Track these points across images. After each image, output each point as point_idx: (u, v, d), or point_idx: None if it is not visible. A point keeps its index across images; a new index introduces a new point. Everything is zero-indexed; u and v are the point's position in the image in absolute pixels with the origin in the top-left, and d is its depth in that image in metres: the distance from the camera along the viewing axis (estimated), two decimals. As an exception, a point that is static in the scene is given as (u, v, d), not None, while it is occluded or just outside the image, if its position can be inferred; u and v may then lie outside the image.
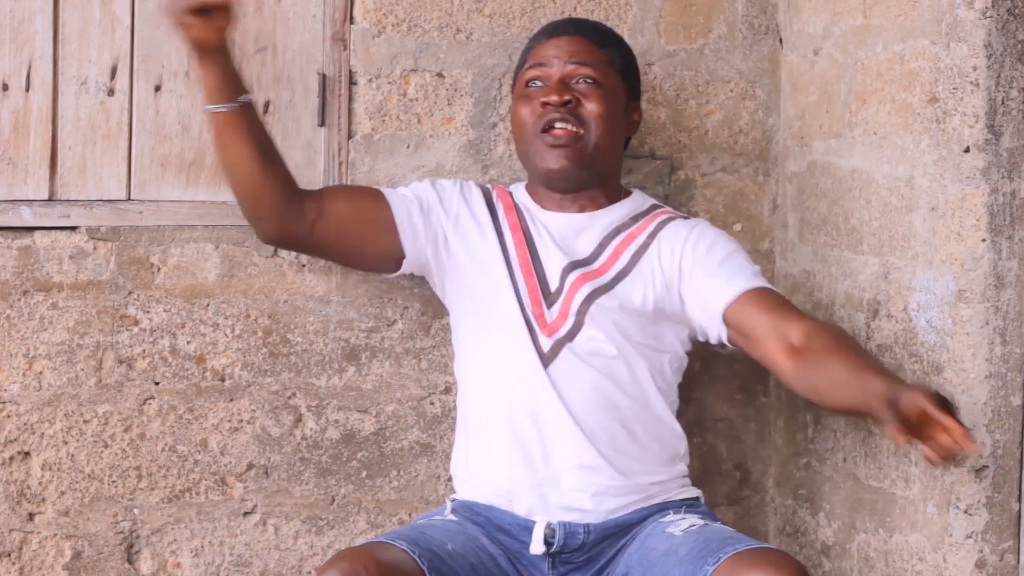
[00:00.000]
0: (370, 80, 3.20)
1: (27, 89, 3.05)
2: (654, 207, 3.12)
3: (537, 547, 2.90)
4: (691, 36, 3.36)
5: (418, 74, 3.21)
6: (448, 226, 3.05)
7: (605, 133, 3.00)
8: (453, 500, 3.01)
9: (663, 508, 2.97)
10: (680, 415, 3.13)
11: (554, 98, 2.98)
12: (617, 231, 3.05)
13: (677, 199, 3.37)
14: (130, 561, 3.12)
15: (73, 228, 3.08)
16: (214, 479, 3.15)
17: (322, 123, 3.19)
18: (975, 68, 2.86)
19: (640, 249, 3.03)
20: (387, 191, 3.08)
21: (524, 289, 2.99)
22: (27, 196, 3.07)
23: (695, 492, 3.04)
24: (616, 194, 3.10)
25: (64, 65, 3.07)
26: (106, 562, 3.11)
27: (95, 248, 3.08)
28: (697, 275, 2.98)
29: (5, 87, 3.04)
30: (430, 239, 3.05)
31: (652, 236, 3.04)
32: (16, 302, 3.05)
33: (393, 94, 3.22)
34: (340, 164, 3.21)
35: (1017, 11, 2.86)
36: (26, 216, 3.05)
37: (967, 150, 2.88)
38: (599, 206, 3.07)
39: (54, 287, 3.06)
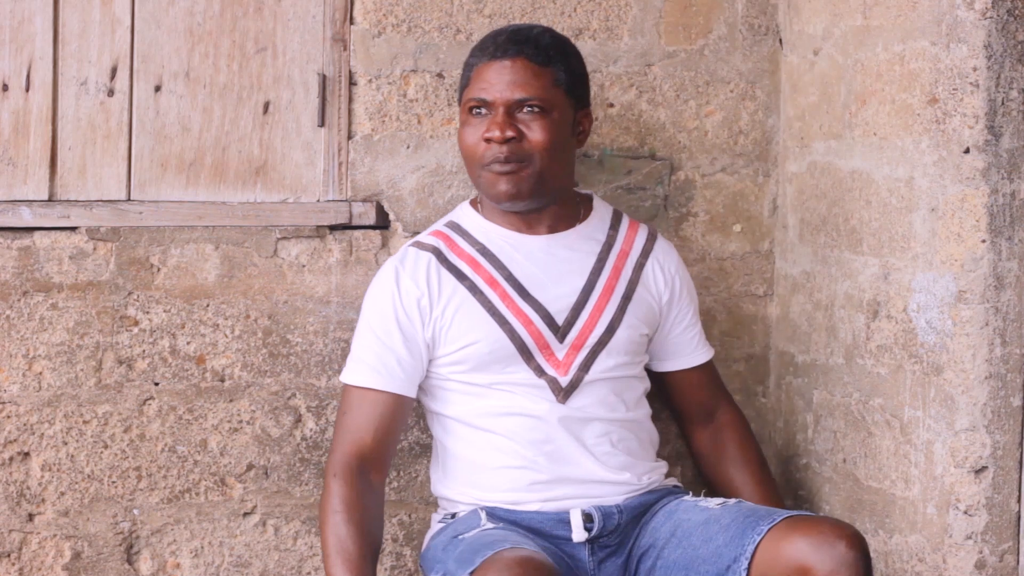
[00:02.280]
0: (370, 81, 3.20)
1: (27, 89, 3.05)
2: (615, 213, 3.14)
3: (579, 534, 2.93)
4: (691, 37, 3.36)
5: (418, 75, 3.21)
6: (433, 335, 2.98)
7: (550, 160, 2.95)
8: (484, 509, 2.96)
9: (673, 492, 3.07)
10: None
11: (496, 134, 2.91)
12: (608, 247, 3.06)
13: (677, 200, 3.37)
14: (130, 562, 3.12)
15: (73, 228, 3.08)
16: (214, 480, 3.15)
17: (322, 123, 3.19)
18: (975, 69, 2.86)
19: (637, 268, 3.07)
20: (389, 386, 2.95)
21: (526, 336, 2.96)
22: (27, 196, 3.07)
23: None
24: (577, 206, 3.08)
25: (64, 65, 3.06)
26: (106, 563, 3.11)
27: (95, 248, 3.08)
28: (678, 321, 3.14)
29: (5, 87, 3.04)
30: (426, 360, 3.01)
31: (647, 254, 3.10)
32: (16, 302, 3.05)
33: (393, 95, 3.22)
34: (340, 164, 3.21)
35: (1017, 12, 2.86)
36: (26, 216, 3.05)
37: (967, 151, 2.88)
38: (569, 224, 3.05)
39: (54, 287, 3.06)
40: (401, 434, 3.04)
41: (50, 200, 3.08)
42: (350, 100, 3.20)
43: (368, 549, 2.83)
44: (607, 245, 3.07)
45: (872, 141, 3.09)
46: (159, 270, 3.11)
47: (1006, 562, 2.92)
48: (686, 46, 3.36)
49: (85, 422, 3.09)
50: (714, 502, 2.97)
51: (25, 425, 3.06)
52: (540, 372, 2.96)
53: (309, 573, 3.21)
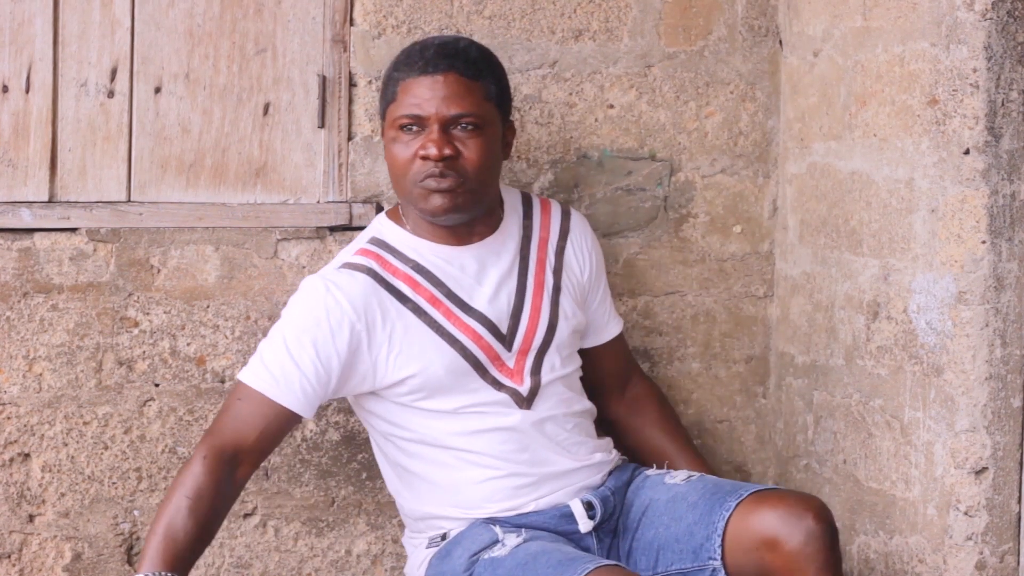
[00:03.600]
0: (370, 82, 3.20)
1: (27, 91, 3.05)
2: (524, 198, 3.09)
3: (585, 524, 2.93)
4: (691, 38, 3.36)
5: (418, 76, 3.21)
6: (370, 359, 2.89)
7: (485, 177, 2.91)
8: (489, 520, 2.92)
9: (638, 467, 3.10)
10: (679, 416, 3.16)
11: (433, 152, 2.84)
12: (528, 240, 3.03)
13: (677, 201, 3.37)
14: (130, 563, 3.12)
15: (73, 230, 3.08)
16: (214, 481, 3.15)
17: (322, 125, 3.19)
18: (975, 70, 2.86)
19: (559, 254, 3.05)
20: (285, 400, 2.83)
21: (477, 351, 2.91)
22: (27, 198, 3.07)
23: None
24: (499, 208, 3.03)
25: (64, 67, 3.06)
26: (106, 564, 3.11)
27: (95, 250, 3.08)
28: (595, 295, 3.13)
29: (5, 89, 3.04)
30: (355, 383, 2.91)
31: (564, 235, 3.08)
32: (16, 304, 3.05)
33: (393, 96, 3.22)
34: (340, 166, 3.21)
35: (1017, 13, 2.86)
36: (26, 218, 3.05)
37: (967, 152, 2.88)
38: (492, 228, 3.00)
39: (54, 289, 3.06)
40: (281, 443, 2.96)
41: (50, 201, 3.08)
42: (350, 101, 3.20)
43: (194, 548, 2.73)
44: (525, 238, 3.03)
45: (872, 142, 3.09)
46: (159, 271, 3.11)
47: (1006, 563, 2.93)
48: (686, 47, 3.36)
49: (85, 423, 3.09)
50: (679, 477, 2.99)
51: (25, 426, 3.06)
52: (498, 385, 2.92)
53: (309, 574, 3.21)
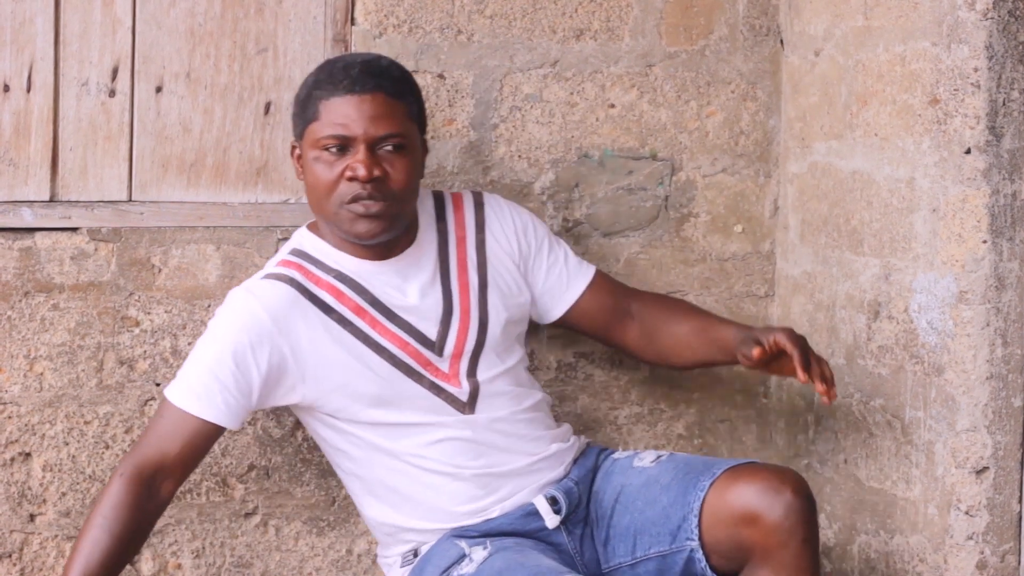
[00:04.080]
0: (371, 81, 3.20)
1: (28, 90, 3.05)
2: (435, 198, 3.05)
3: (551, 520, 2.91)
4: (692, 37, 3.36)
5: (419, 75, 3.21)
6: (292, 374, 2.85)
7: (410, 196, 2.89)
8: (456, 534, 2.90)
9: (603, 450, 3.07)
10: (680, 416, 3.14)
11: (362, 173, 2.79)
12: (444, 243, 2.99)
13: (678, 200, 3.37)
14: (131, 562, 3.12)
15: (74, 229, 3.08)
16: (215, 480, 3.15)
17: (323, 124, 3.19)
18: (976, 70, 2.86)
19: (479, 247, 3.01)
20: (205, 414, 2.80)
21: (405, 356, 2.89)
22: (28, 197, 3.07)
23: None
24: (415, 219, 2.99)
25: (65, 66, 3.06)
26: (107, 563, 3.11)
27: (96, 249, 3.08)
28: (542, 261, 3.06)
29: (6, 88, 3.04)
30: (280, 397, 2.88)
31: (481, 227, 3.03)
32: (17, 303, 3.05)
33: (394, 95, 3.21)
34: (341, 165, 3.20)
35: (1018, 13, 2.86)
36: (27, 217, 3.05)
37: (968, 151, 2.88)
38: (412, 239, 2.96)
39: (55, 288, 3.06)
40: (207, 455, 2.92)
41: (51, 201, 3.08)
42: (351, 101, 3.20)
43: (111, 567, 2.72)
44: (442, 243, 2.99)
45: (873, 142, 3.09)
46: (160, 271, 3.11)
47: (1007, 562, 2.93)
48: (687, 47, 3.36)
49: (86, 423, 3.09)
50: (647, 459, 2.98)
51: (26, 426, 3.06)
52: (436, 389, 2.90)
53: (310, 573, 3.21)
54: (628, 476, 2.97)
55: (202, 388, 2.80)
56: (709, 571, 2.82)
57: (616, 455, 3.04)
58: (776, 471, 2.82)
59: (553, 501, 2.92)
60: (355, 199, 2.82)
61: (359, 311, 2.88)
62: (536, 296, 3.07)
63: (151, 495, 2.77)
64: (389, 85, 2.84)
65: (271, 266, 2.94)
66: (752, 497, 2.78)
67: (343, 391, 2.86)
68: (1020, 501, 2.93)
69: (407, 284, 2.92)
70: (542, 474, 2.94)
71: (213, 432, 2.82)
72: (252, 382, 2.82)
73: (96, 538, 2.72)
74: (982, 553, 2.91)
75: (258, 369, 2.82)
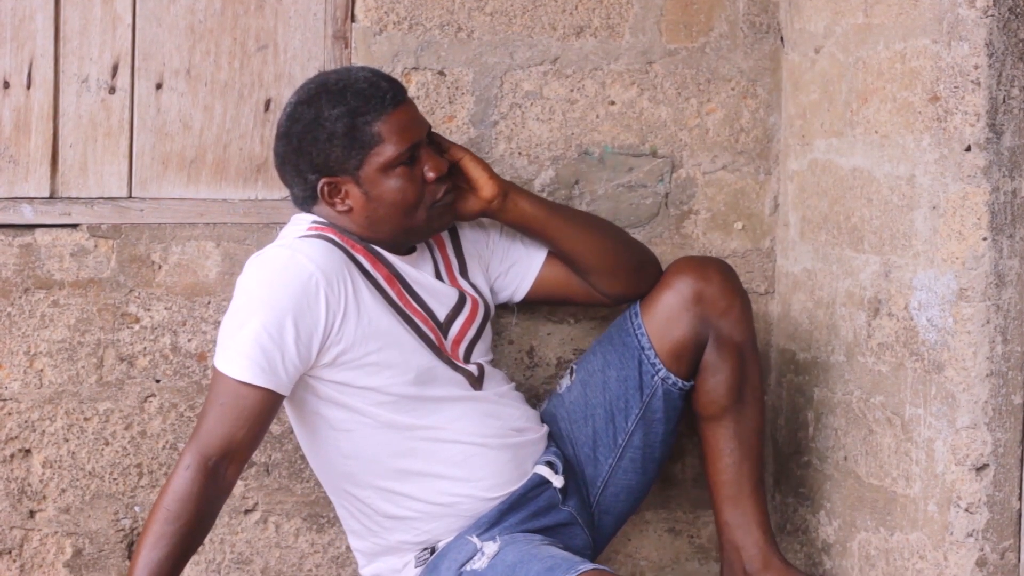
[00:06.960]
0: (371, 78, 3.20)
1: (28, 87, 3.05)
2: None
3: (558, 479, 3.00)
4: (692, 34, 3.36)
5: (419, 72, 3.21)
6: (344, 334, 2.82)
7: None
8: (477, 534, 2.91)
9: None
10: (681, 413, 3.14)
11: (445, 167, 2.89)
12: (431, 247, 3.03)
13: (678, 198, 3.37)
14: (131, 558, 3.12)
15: (74, 226, 3.08)
16: (215, 477, 3.15)
17: (323, 121, 3.19)
18: (976, 67, 2.86)
19: (454, 234, 3.07)
20: (271, 384, 2.74)
21: (426, 329, 2.91)
22: (28, 194, 3.07)
23: None
24: None
25: (65, 63, 3.07)
26: (107, 559, 3.11)
27: (96, 246, 3.08)
28: (499, 244, 3.12)
29: (6, 85, 3.04)
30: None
31: (454, 232, 3.09)
32: (17, 299, 3.05)
33: (394, 92, 3.22)
34: (341, 162, 3.20)
35: (1018, 10, 2.86)
36: (27, 214, 3.06)
37: (968, 149, 2.88)
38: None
39: (55, 285, 3.06)
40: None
41: (51, 197, 3.08)
42: (351, 97, 3.20)
43: (176, 559, 2.67)
44: (431, 245, 3.04)
45: (873, 139, 3.09)
46: (160, 267, 3.11)
47: (1007, 560, 2.93)
48: (687, 44, 3.36)
49: (86, 419, 3.09)
50: (563, 384, 3.14)
51: (26, 422, 3.06)
52: (453, 366, 2.93)
53: (310, 570, 3.21)
54: (563, 400, 3.11)
55: (263, 358, 2.71)
56: (682, 383, 3.06)
57: (545, 404, 3.17)
58: (700, 262, 3.10)
59: (551, 465, 3.01)
60: (444, 194, 2.89)
61: (390, 280, 2.90)
62: (504, 271, 3.13)
63: (217, 482, 2.70)
64: (404, 90, 2.93)
65: (295, 236, 2.85)
66: (686, 280, 3.05)
67: (388, 358, 2.83)
68: (1020, 498, 2.93)
69: (421, 274, 2.97)
70: (540, 445, 3.04)
71: (277, 404, 2.74)
72: (312, 346, 2.75)
73: (161, 533, 2.65)
74: (982, 550, 2.91)
75: (317, 331, 2.75)
